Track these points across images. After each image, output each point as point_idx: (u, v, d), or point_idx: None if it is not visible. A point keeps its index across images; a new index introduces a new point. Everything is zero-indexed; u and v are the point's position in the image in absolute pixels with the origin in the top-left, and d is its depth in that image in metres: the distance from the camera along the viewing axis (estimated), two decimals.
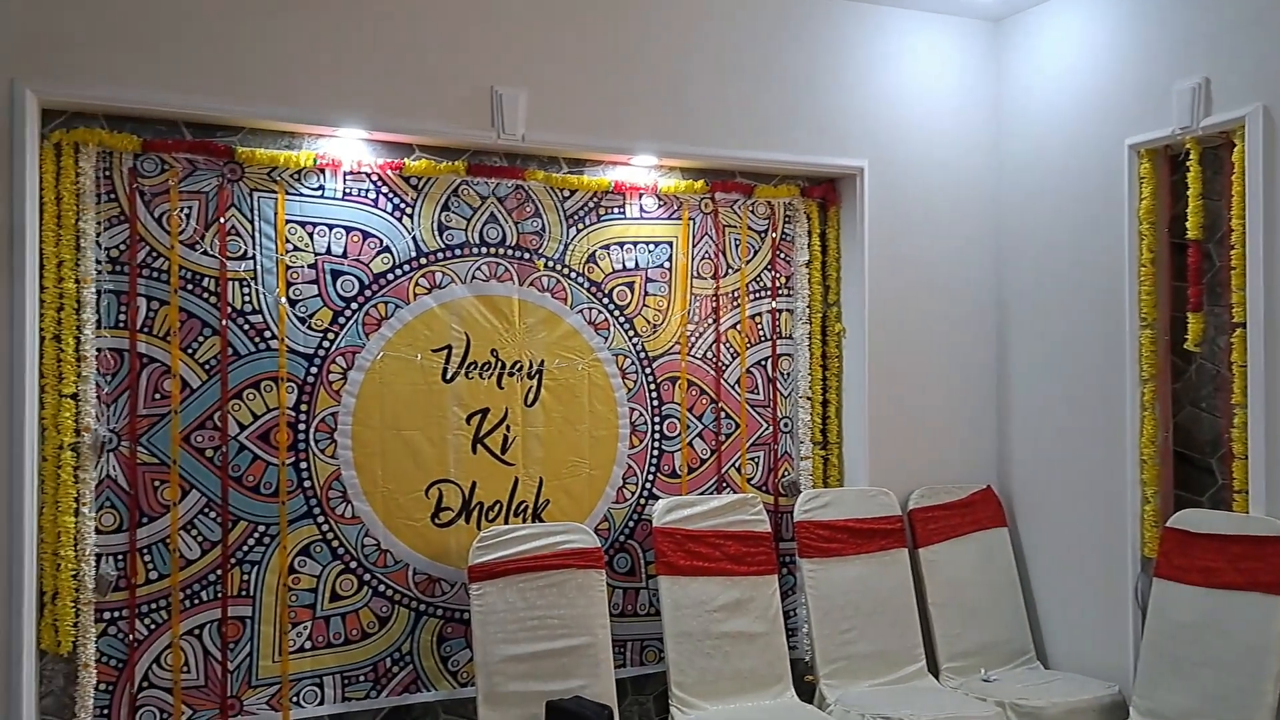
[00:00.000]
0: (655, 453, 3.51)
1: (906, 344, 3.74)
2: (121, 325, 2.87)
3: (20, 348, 2.65)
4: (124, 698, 2.84)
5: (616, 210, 3.48)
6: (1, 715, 2.61)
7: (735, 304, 3.64)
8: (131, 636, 2.85)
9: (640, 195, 3.51)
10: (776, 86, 3.55)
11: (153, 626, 2.88)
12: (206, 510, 2.95)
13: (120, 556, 2.85)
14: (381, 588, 3.14)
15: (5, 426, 2.63)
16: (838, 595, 3.42)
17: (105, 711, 2.82)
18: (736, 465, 3.63)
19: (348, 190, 3.13)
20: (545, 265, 3.37)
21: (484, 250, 3.29)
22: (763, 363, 3.69)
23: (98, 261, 2.84)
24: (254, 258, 3.02)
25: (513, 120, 3.18)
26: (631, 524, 3.47)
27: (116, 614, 2.85)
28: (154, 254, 2.91)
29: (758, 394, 3.68)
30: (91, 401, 2.80)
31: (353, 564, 3.11)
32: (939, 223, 3.80)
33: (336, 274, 3.11)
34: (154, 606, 2.89)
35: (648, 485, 3.50)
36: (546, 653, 3.01)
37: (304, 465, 3.06)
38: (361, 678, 3.11)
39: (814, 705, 3.27)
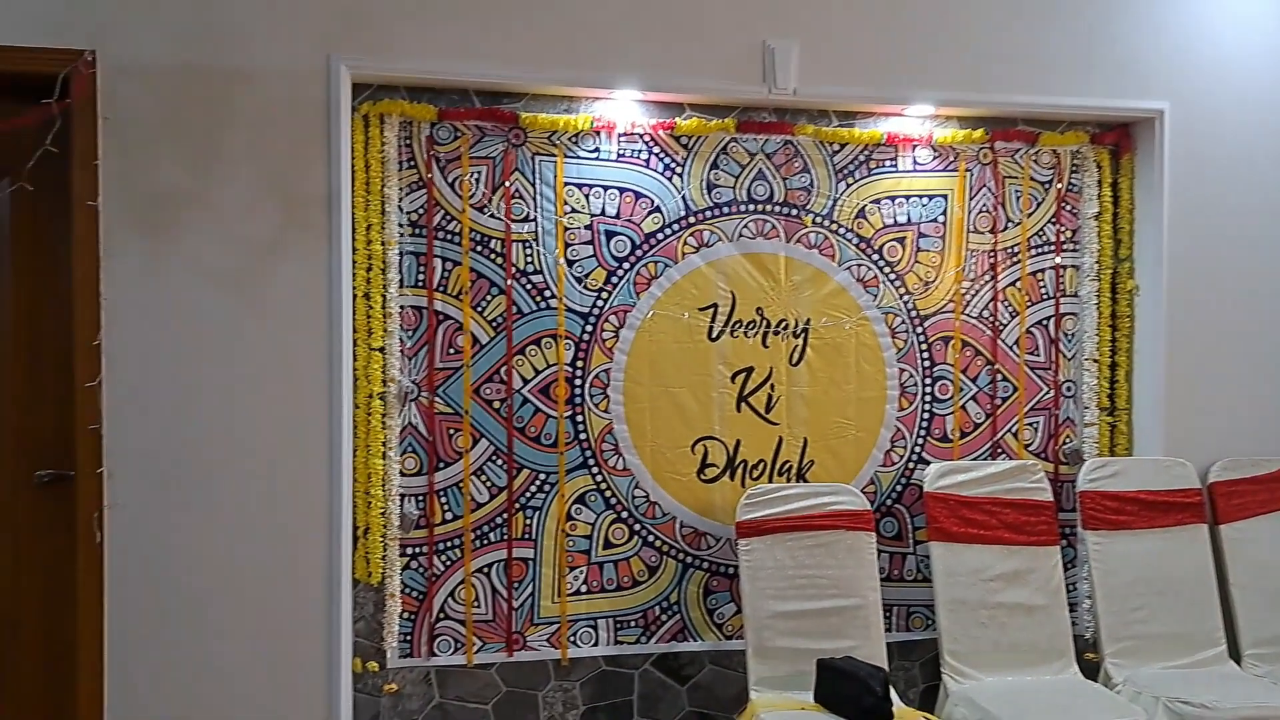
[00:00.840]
0: (925, 416, 3.41)
1: (1208, 303, 3.42)
2: (420, 284, 3.09)
3: (338, 305, 2.91)
4: (424, 626, 3.09)
5: (888, 163, 3.37)
6: (325, 632, 2.91)
7: (1015, 260, 3.45)
8: (430, 571, 3.10)
9: (914, 147, 3.38)
10: (1066, 24, 3.31)
11: (448, 563, 3.11)
12: (494, 458, 3.14)
13: (420, 497, 3.09)
14: (651, 538, 3.24)
15: (326, 376, 2.91)
16: (1126, 570, 3.20)
17: (408, 637, 3.08)
18: (1013, 430, 3.46)
19: (621, 152, 3.21)
20: (813, 221, 3.33)
21: (751, 208, 3.29)
22: (1044, 322, 3.48)
23: (400, 225, 3.06)
24: (535, 220, 3.15)
25: (784, 74, 3.14)
26: (899, 488, 3.39)
27: (417, 550, 3.09)
28: (448, 217, 3.10)
29: (1038, 355, 3.48)
30: (396, 355, 3.04)
31: (624, 514, 3.22)
32: (1249, 173, 3.43)
33: (610, 234, 3.20)
34: (449, 544, 3.12)
35: (917, 449, 3.40)
36: (815, 611, 3.01)
37: (580, 418, 3.19)
38: (632, 623, 3.23)
39: (1099, 684, 3.09)
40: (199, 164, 2.83)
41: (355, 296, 2.98)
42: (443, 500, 3.11)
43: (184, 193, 2.82)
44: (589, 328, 3.19)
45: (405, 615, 3.08)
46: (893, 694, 2.79)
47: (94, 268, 2.75)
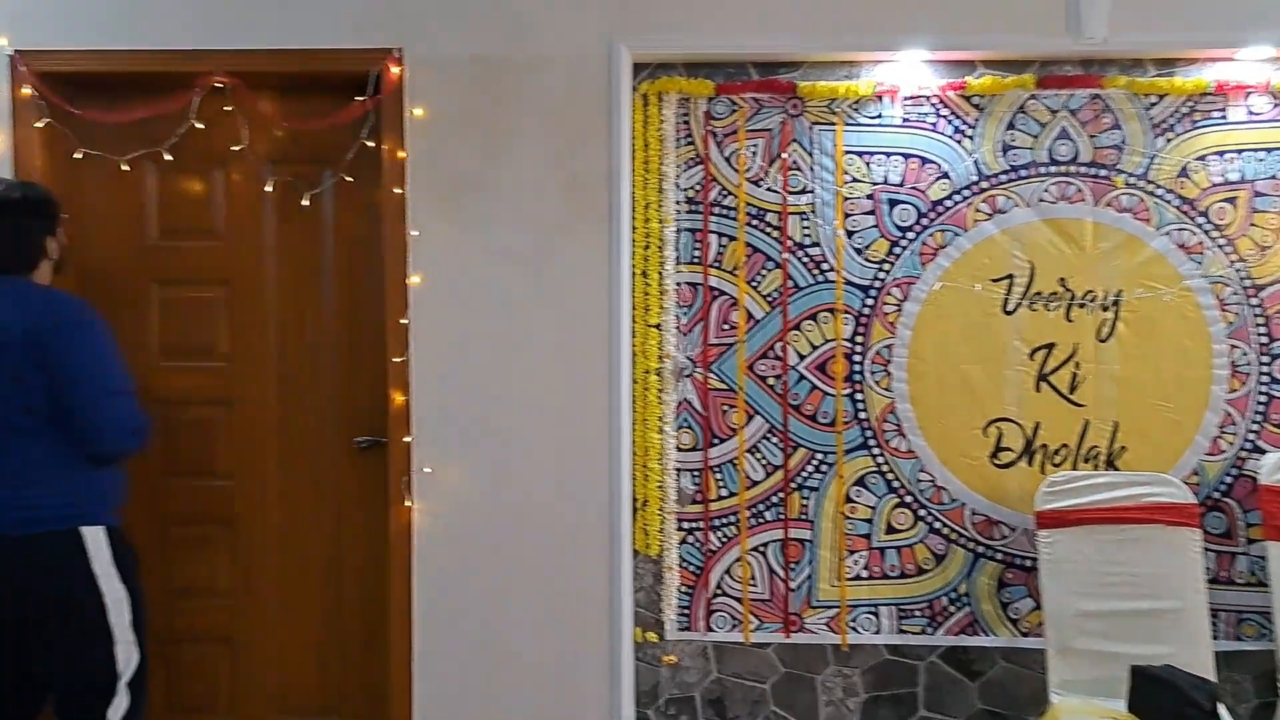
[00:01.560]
0: (1261, 398, 2.99)
1: None
2: (696, 261, 3.09)
3: (618, 282, 2.97)
4: (701, 600, 3.11)
5: (1216, 114, 2.98)
6: (608, 599, 3.00)
7: None
8: (706, 546, 3.10)
9: (1247, 95, 2.97)
10: None
11: (724, 540, 3.10)
12: (769, 435, 3.09)
13: (696, 473, 3.10)
14: (937, 525, 3.07)
15: (607, 352, 2.98)
16: None
17: (686, 611, 3.11)
18: None
19: (906, 116, 3.04)
20: (1125, 182, 3.00)
21: (1053, 169, 3.02)
22: None
23: (677, 202, 3.07)
24: (813, 191, 3.06)
25: (1092, 21, 2.85)
26: (1228, 480, 3.00)
27: (693, 524, 3.11)
28: (724, 192, 3.08)
29: None
30: (671, 331, 3.06)
31: (908, 498, 3.07)
32: None
33: (893, 203, 3.05)
34: (724, 521, 3.11)
35: (1250, 436, 3.00)
36: (1127, 613, 2.73)
37: (859, 397, 3.07)
38: (917, 613, 3.07)
39: None
40: (492, 150, 2.97)
41: (634, 274, 3.03)
42: (718, 476, 3.10)
43: (480, 178, 2.97)
44: (869, 301, 3.06)
45: (683, 588, 3.11)
46: (1221, 710, 2.47)
47: (402, 252, 2.97)
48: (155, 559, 3.18)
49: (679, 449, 3.10)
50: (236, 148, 3.04)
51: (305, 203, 3.08)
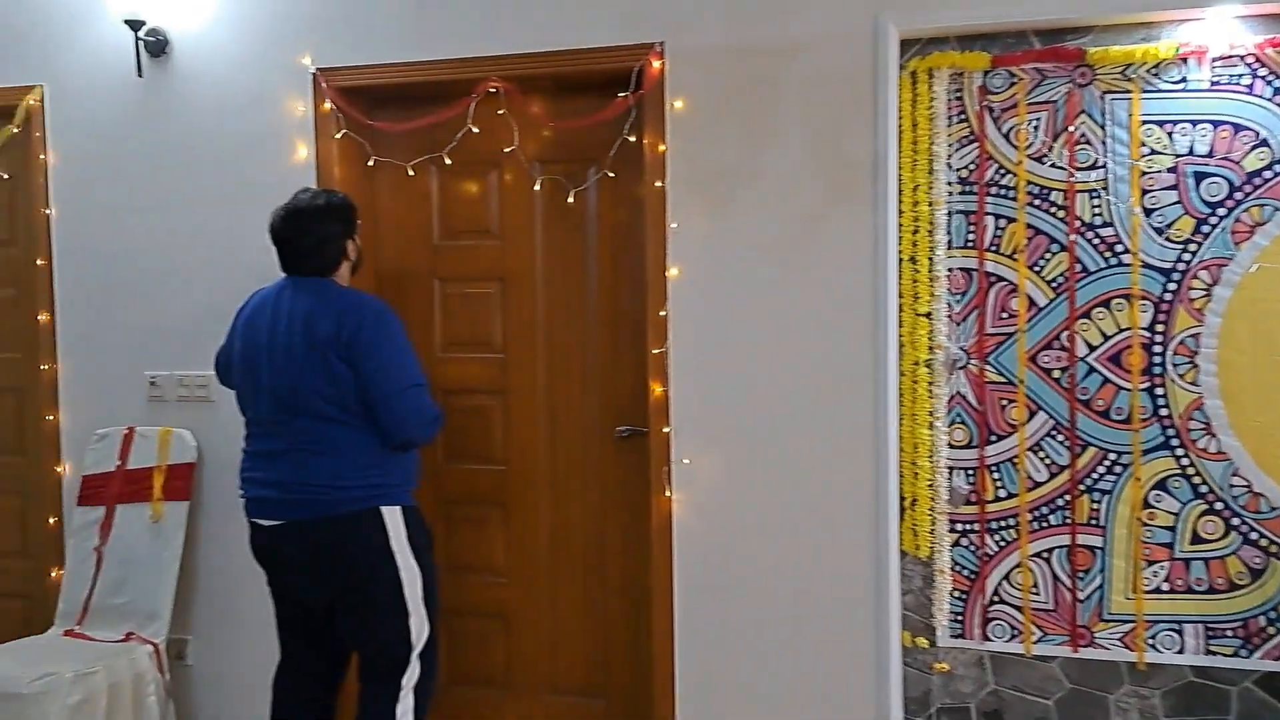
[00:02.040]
0: None
1: None
2: (970, 245, 2.90)
3: (884, 270, 2.84)
4: (976, 607, 2.92)
5: None
6: (873, 601, 2.89)
7: None
8: (982, 550, 2.91)
9: None
10: None
11: (1002, 544, 2.90)
12: (1054, 433, 2.85)
13: (970, 471, 2.92)
14: (1253, 535, 2.72)
15: (871, 342, 2.86)
16: None
17: (959, 617, 2.94)
18: None
19: (1215, 79, 2.71)
20: None
21: None
22: None
23: (948, 183, 2.90)
24: (1104, 166, 2.79)
25: None
26: None
27: (968, 526, 2.93)
28: (1001, 171, 2.87)
29: None
30: (943, 320, 2.89)
31: (1217, 505, 2.75)
32: None
33: (1200, 176, 2.73)
34: (1002, 524, 2.90)
35: None
36: None
37: (1159, 391, 2.77)
38: (1229, 632, 2.74)
39: None
40: (752, 140, 2.93)
41: (901, 261, 2.89)
42: (995, 476, 2.90)
43: (739, 168, 2.94)
44: (1171, 286, 2.76)
45: (956, 593, 2.94)
46: None
47: (662, 244, 2.99)
48: (439, 537, 3.37)
49: (951, 446, 2.92)
50: (508, 149, 3.16)
51: (570, 200, 3.16)
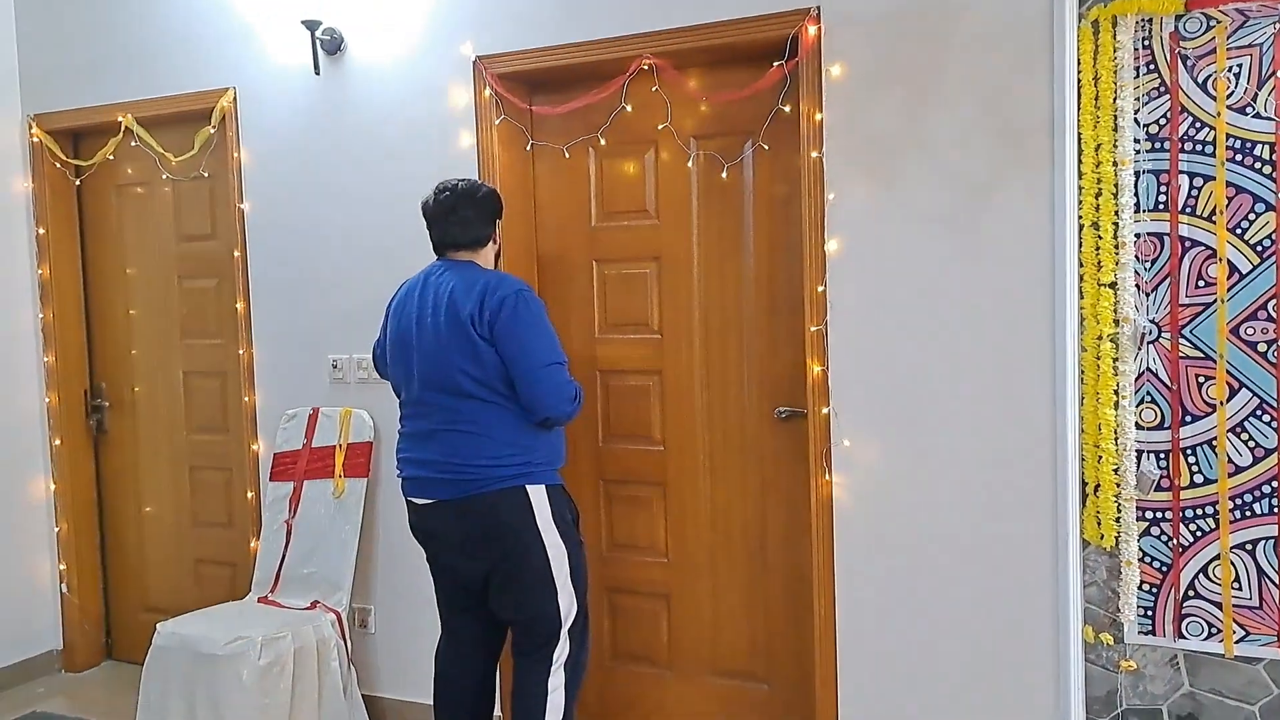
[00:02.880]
0: None
1: None
2: (1161, 207, 2.64)
3: (1061, 237, 2.64)
4: (1168, 602, 2.68)
5: None
6: (1052, 591, 2.71)
7: None
8: (1175, 540, 2.67)
9: None
10: None
11: (1198, 534, 2.65)
12: (1259, 413, 2.57)
13: (1162, 455, 2.67)
14: None
15: (1048, 316, 2.66)
16: None
17: (1149, 612, 2.70)
18: None
19: None
20: None
21: None
22: None
23: (1135, 140, 2.65)
24: None
25: None
26: None
27: (1159, 514, 2.69)
28: (1197, 124, 2.60)
29: None
30: (1129, 290, 2.65)
31: None
32: None
33: None
34: (1199, 512, 2.65)
35: None
36: None
37: None
38: None
39: None
40: (913, 104, 2.78)
41: (1082, 227, 2.67)
42: (1190, 460, 2.65)
43: (900, 135, 2.79)
44: None
45: (1145, 587, 2.70)
46: None
47: (819, 217, 2.88)
48: (599, 516, 3.43)
49: (1139, 427, 2.68)
50: (662, 126, 3.13)
51: (724, 175, 3.10)
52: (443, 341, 2.62)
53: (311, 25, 3.40)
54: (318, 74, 3.47)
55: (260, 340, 3.72)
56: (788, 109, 2.93)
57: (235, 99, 3.67)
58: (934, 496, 2.81)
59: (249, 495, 3.72)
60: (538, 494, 2.64)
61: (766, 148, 3.03)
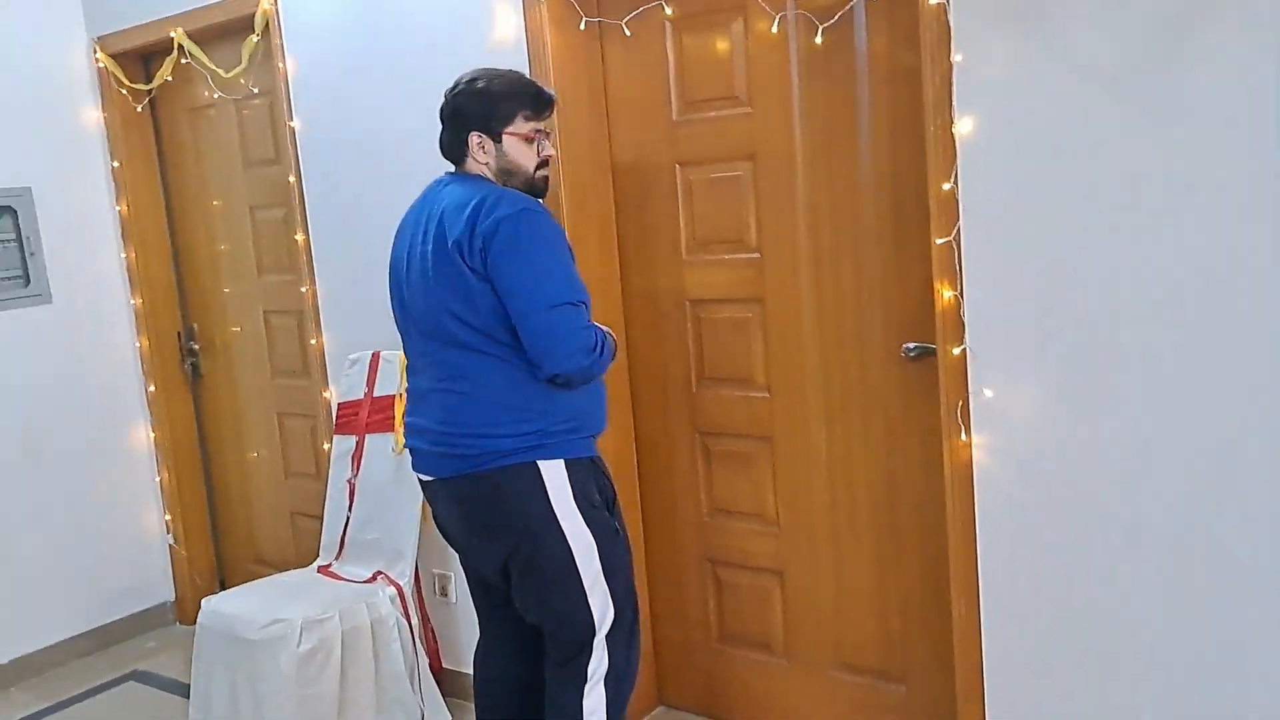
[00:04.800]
0: None
1: None
2: None
3: None
4: None
5: None
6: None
7: None
8: None
9: None
10: None
11: None
12: None
13: None
14: None
15: (1274, 220, 1.81)
16: None
17: None
18: None
19: None
20: None
21: None
22: None
23: None
24: None
25: None
26: None
27: None
28: None
29: None
30: None
31: None
32: None
33: None
34: None
35: None
36: None
37: None
38: None
39: None
40: None
41: None
42: None
43: None
44: None
45: None
46: None
47: (945, 88, 2.10)
48: (696, 475, 2.86)
49: None
50: None
51: (818, 40, 2.36)
52: (429, 276, 2.09)
53: None
54: None
55: (322, 276, 3.32)
56: None
57: (277, 1, 3.21)
58: (1112, 462, 2.04)
59: (325, 446, 3.39)
60: (553, 471, 2.08)
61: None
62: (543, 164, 2.21)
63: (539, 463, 2.08)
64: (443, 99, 2.21)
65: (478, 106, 2.15)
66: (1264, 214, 1.83)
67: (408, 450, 2.27)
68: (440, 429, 2.12)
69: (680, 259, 2.78)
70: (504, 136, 2.16)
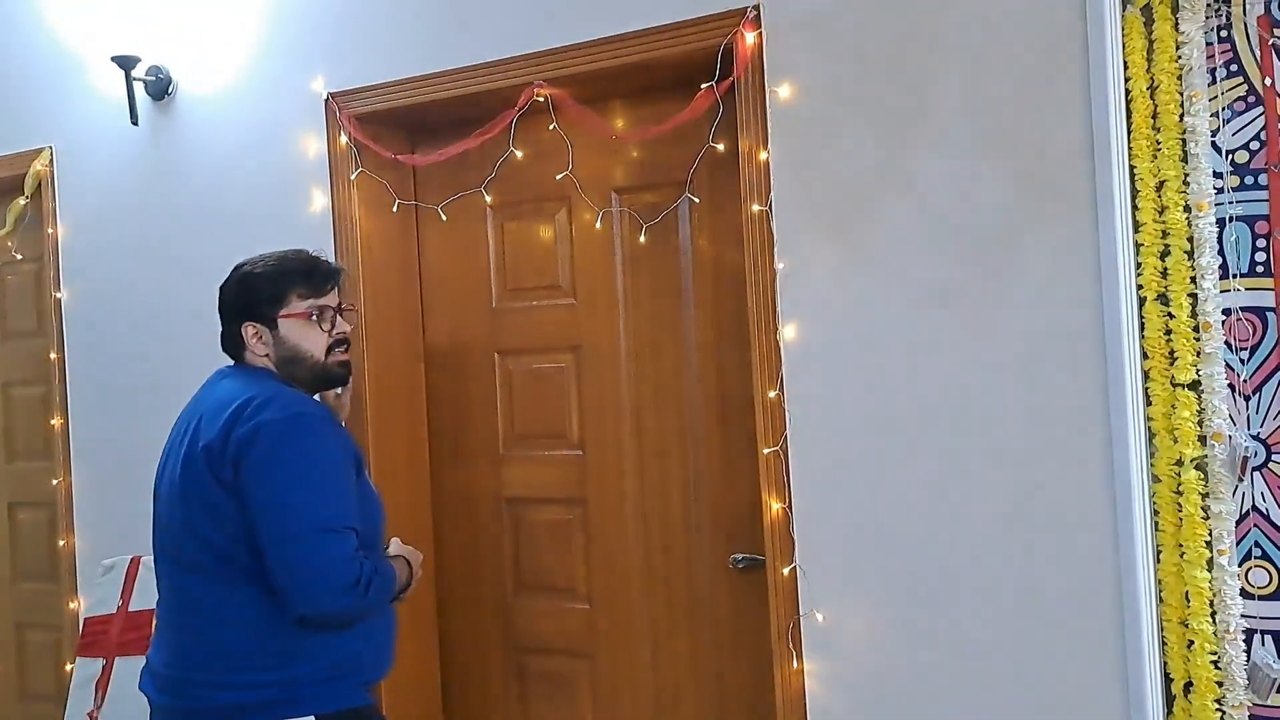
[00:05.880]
0: None
1: None
2: (1260, 271, 1.80)
3: (1115, 318, 1.80)
4: None
5: None
6: None
7: None
8: None
9: None
10: None
11: None
12: None
13: None
14: None
15: (1100, 435, 1.81)
16: None
17: None
18: None
19: None
20: None
21: None
22: None
23: (1216, 174, 1.82)
24: None
25: None
26: None
27: None
28: None
29: None
30: (1220, 393, 1.79)
31: None
32: None
33: None
34: None
35: None
36: None
37: None
38: None
39: None
40: (893, 134, 1.97)
41: (1144, 302, 1.82)
42: None
43: (875, 177, 1.98)
44: None
45: None
46: None
47: (768, 294, 2.06)
48: (512, 698, 2.58)
49: (1246, 594, 1.80)
50: (560, 176, 2.34)
51: (641, 239, 2.31)
52: (176, 487, 1.80)
53: (126, 63, 2.65)
54: (135, 124, 2.71)
55: (80, 467, 2.93)
56: (721, 147, 2.14)
57: (53, 161, 2.92)
58: (949, 697, 1.93)
59: (68, 668, 2.90)
60: None
61: (697, 200, 2.24)
62: (338, 343, 1.93)
63: None
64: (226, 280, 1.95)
65: (245, 294, 1.90)
66: (1087, 447, 1.83)
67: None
68: (168, 672, 1.79)
69: (498, 454, 2.59)
70: (279, 321, 1.88)
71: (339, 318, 1.93)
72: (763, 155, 2.05)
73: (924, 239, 1.94)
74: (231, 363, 1.97)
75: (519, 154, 2.33)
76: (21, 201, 2.96)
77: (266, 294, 1.88)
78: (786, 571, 2.05)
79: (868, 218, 1.98)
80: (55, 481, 2.94)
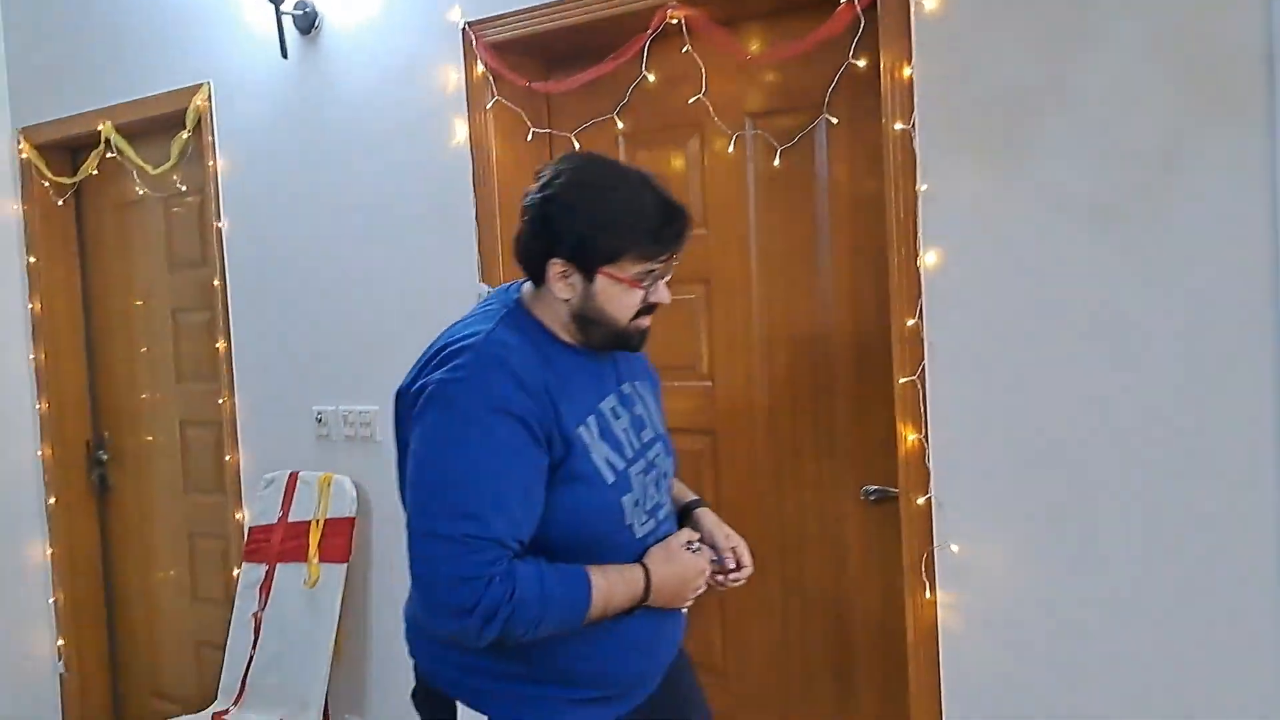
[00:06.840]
0: None
1: None
2: None
3: None
4: None
5: None
6: None
7: None
8: None
9: None
10: None
11: None
12: None
13: None
14: None
15: (1269, 368, 1.67)
16: None
17: None
18: None
19: None
20: None
21: None
22: None
23: None
24: None
25: None
26: None
27: None
28: None
29: None
30: None
31: None
32: None
33: None
34: None
35: None
36: None
37: None
38: None
39: None
40: (1047, 42, 1.84)
41: None
42: None
43: (1029, 92, 1.86)
44: None
45: None
46: None
47: (910, 219, 1.98)
48: None
49: None
50: (692, 100, 2.29)
51: (776, 163, 2.25)
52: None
53: None
54: (285, 57, 2.80)
55: (243, 387, 3.10)
56: (862, 64, 2.05)
57: (211, 96, 3.05)
58: (1101, 624, 1.85)
59: (235, 572, 3.11)
60: None
61: (834, 121, 2.16)
62: (646, 309, 1.57)
63: (458, 703, 1.53)
64: (534, 189, 1.54)
65: (574, 226, 1.49)
66: (1260, 367, 1.69)
67: None
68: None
69: None
70: (599, 276, 1.51)
71: (660, 284, 1.56)
72: (906, 71, 1.95)
73: (1081, 157, 1.81)
74: (508, 284, 1.69)
75: (651, 78, 2.29)
76: (184, 135, 3.10)
77: (599, 243, 1.49)
78: (921, 502, 1.99)
79: (1019, 135, 1.87)
80: (220, 401, 3.12)
